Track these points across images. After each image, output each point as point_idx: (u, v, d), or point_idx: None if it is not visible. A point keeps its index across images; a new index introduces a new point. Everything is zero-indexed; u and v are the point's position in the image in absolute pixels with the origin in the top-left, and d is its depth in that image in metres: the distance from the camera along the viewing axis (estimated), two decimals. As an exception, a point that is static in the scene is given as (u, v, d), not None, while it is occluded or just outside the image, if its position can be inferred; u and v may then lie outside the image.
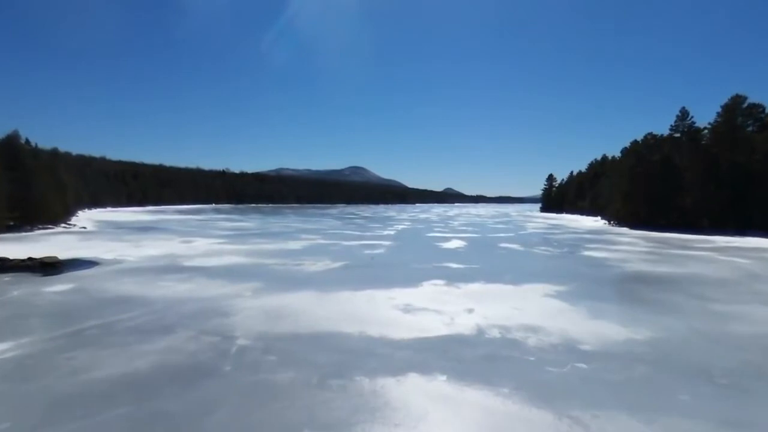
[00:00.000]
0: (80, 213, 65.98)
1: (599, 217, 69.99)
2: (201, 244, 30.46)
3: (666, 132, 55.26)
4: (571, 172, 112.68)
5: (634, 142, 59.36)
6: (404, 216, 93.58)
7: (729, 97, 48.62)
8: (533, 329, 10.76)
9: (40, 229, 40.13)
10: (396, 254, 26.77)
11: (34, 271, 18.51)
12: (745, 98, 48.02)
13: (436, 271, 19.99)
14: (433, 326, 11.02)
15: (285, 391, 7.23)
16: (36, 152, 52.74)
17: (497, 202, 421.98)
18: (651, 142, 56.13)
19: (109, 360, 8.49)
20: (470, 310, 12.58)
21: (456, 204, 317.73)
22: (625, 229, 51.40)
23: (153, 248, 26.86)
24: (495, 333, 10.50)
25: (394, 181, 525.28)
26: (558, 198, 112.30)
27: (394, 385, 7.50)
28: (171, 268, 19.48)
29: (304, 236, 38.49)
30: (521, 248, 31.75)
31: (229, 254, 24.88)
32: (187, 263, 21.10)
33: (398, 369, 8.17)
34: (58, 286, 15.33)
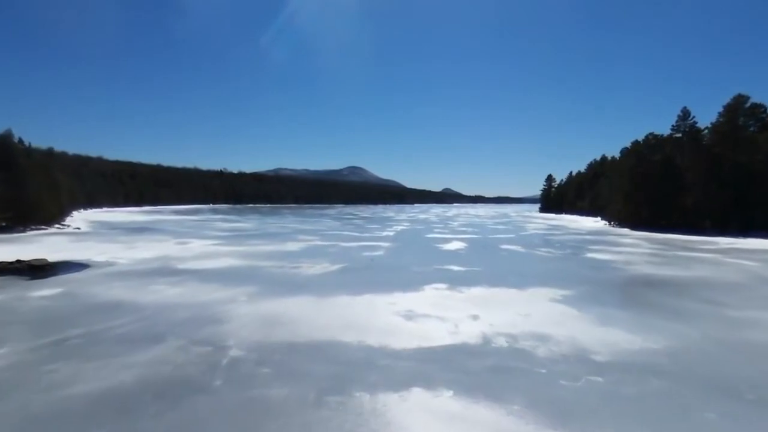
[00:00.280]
0: (75, 213, 65.32)
1: (599, 218, 69.58)
2: (196, 245, 29.88)
3: (666, 132, 54.91)
4: (570, 173, 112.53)
5: (635, 142, 58.88)
6: (403, 216, 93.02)
7: (731, 97, 48.24)
8: (541, 337, 10.23)
9: (33, 229, 39.46)
10: (396, 256, 26.22)
11: (22, 274, 17.92)
12: (748, 98, 47.61)
13: (438, 274, 19.45)
14: (437, 334, 10.49)
15: (279, 409, 6.69)
16: (29, 152, 52.07)
17: (496, 203, 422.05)
18: (652, 142, 55.67)
19: (91, 373, 7.93)
20: (474, 317, 12.05)
21: (454, 204, 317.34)
22: (626, 230, 50.95)
23: (147, 250, 26.27)
24: (501, 342, 9.96)
25: (393, 182, 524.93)
26: (557, 198, 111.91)
27: (396, 401, 6.97)
28: (164, 271, 18.90)
29: (301, 237, 37.92)
30: (523, 250, 31.24)
31: (225, 256, 24.30)
32: (181, 266, 20.52)
33: (400, 383, 7.63)
34: (45, 291, 14.75)
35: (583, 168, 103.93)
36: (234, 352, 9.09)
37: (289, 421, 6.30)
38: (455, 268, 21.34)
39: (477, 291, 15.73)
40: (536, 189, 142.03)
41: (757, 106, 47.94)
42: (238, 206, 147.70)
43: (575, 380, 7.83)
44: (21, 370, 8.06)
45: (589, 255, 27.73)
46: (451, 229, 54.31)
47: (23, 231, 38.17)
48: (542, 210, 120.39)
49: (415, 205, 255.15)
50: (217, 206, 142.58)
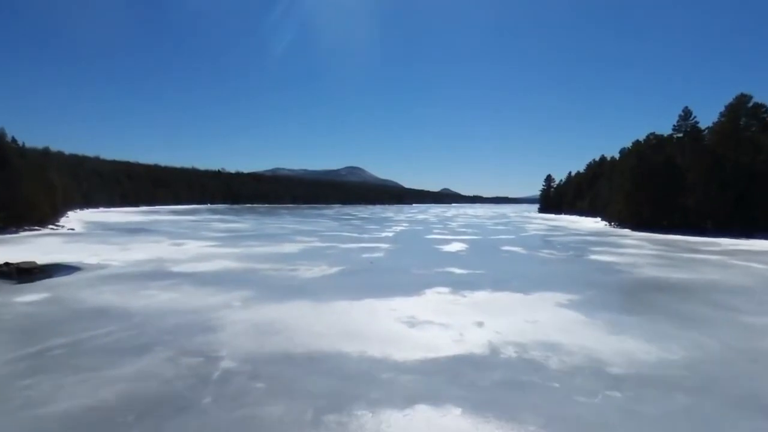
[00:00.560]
0: (71, 214, 64.54)
1: (599, 218, 69.13)
2: (192, 247, 29.26)
3: (667, 132, 54.51)
4: (570, 173, 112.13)
5: (636, 142, 58.46)
6: (402, 217, 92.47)
7: (732, 97, 47.88)
8: (552, 347, 9.68)
9: (26, 230, 38.76)
10: (396, 258, 25.66)
11: (10, 277, 17.27)
12: (750, 98, 47.25)
13: (439, 277, 18.90)
14: (441, 343, 9.93)
15: (273, 430, 6.13)
16: (23, 151, 51.31)
17: (494, 203, 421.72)
18: (653, 142, 55.26)
19: (71, 389, 7.34)
20: (480, 324, 11.50)
21: (453, 204, 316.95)
22: (627, 231, 50.50)
23: (140, 252, 25.64)
24: (510, 352, 9.41)
25: (391, 182, 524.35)
26: (556, 199, 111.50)
27: (400, 421, 6.41)
28: (157, 274, 18.29)
29: (299, 238, 37.31)
30: (524, 251, 30.72)
31: (221, 258, 23.70)
32: (175, 269, 19.92)
33: (404, 399, 7.07)
34: (31, 296, 14.13)
35: (582, 168, 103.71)
36: (226, 364, 8.52)
37: (283, 445, 5.74)
38: (457, 270, 20.80)
39: (480, 295, 15.18)
40: (534, 189, 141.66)
41: (759, 106, 47.57)
42: (235, 206, 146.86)
43: (592, 396, 7.28)
44: (-5, 386, 7.47)
45: (593, 257, 27.22)
46: (451, 229, 53.78)
47: (16, 232, 37.46)
48: (541, 210, 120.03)
49: (414, 205, 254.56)
50: (214, 206, 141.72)
